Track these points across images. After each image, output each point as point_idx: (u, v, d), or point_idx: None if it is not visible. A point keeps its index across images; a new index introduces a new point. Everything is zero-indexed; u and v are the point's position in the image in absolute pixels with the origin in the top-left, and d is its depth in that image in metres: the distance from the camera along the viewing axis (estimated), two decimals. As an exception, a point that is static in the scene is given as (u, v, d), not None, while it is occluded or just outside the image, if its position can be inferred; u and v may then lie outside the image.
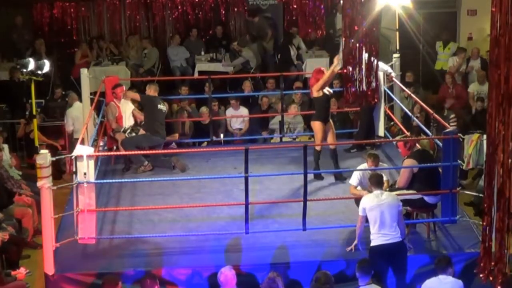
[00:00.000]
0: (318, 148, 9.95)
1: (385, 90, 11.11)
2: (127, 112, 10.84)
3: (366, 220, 7.64)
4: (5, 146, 10.85)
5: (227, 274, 7.26)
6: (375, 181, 7.70)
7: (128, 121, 10.78)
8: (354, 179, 8.64)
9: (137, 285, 7.55)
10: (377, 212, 7.48)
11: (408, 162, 8.45)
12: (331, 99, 10.60)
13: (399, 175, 8.69)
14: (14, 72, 13.12)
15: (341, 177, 9.86)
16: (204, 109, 12.25)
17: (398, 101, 11.53)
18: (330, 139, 10.03)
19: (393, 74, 11.01)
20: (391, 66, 11.31)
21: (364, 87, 9.78)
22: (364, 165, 8.72)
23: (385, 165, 9.24)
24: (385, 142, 11.12)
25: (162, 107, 10.68)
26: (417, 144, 10.01)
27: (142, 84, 13.42)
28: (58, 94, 13.61)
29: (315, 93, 9.94)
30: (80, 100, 11.61)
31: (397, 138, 11.31)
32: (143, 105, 10.82)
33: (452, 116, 12.29)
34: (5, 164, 10.37)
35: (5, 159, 10.51)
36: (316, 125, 9.95)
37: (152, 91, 10.78)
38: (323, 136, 9.98)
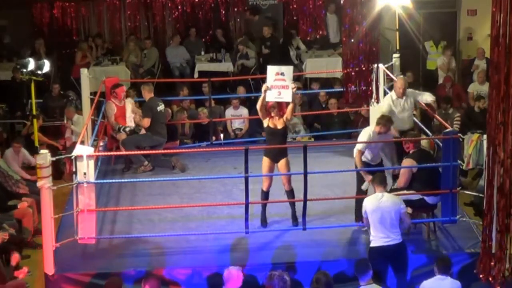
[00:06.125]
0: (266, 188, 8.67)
1: (385, 90, 11.09)
2: (128, 112, 10.85)
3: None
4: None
5: (232, 273, 7.11)
6: (379, 181, 7.66)
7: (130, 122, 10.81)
8: (361, 144, 8.43)
9: (138, 285, 7.55)
10: (378, 215, 7.45)
11: (408, 162, 8.45)
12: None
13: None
14: (16, 72, 13.10)
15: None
16: (203, 109, 12.23)
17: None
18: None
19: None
20: (392, 66, 11.26)
21: (365, 88, 9.76)
22: (370, 128, 8.51)
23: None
24: (385, 142, 11.08)
25: (161, 108, 10.69)
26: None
27: (142, 84, 13.41)
28: (56, 90, 13.56)
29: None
30: (80, 102, 11.62)
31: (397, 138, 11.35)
32: (145, 111, 10.73)
33: (457, 115, 12.26)
34: (7, 167, 10.40)
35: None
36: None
37: (146, 92, 10.77)
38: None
